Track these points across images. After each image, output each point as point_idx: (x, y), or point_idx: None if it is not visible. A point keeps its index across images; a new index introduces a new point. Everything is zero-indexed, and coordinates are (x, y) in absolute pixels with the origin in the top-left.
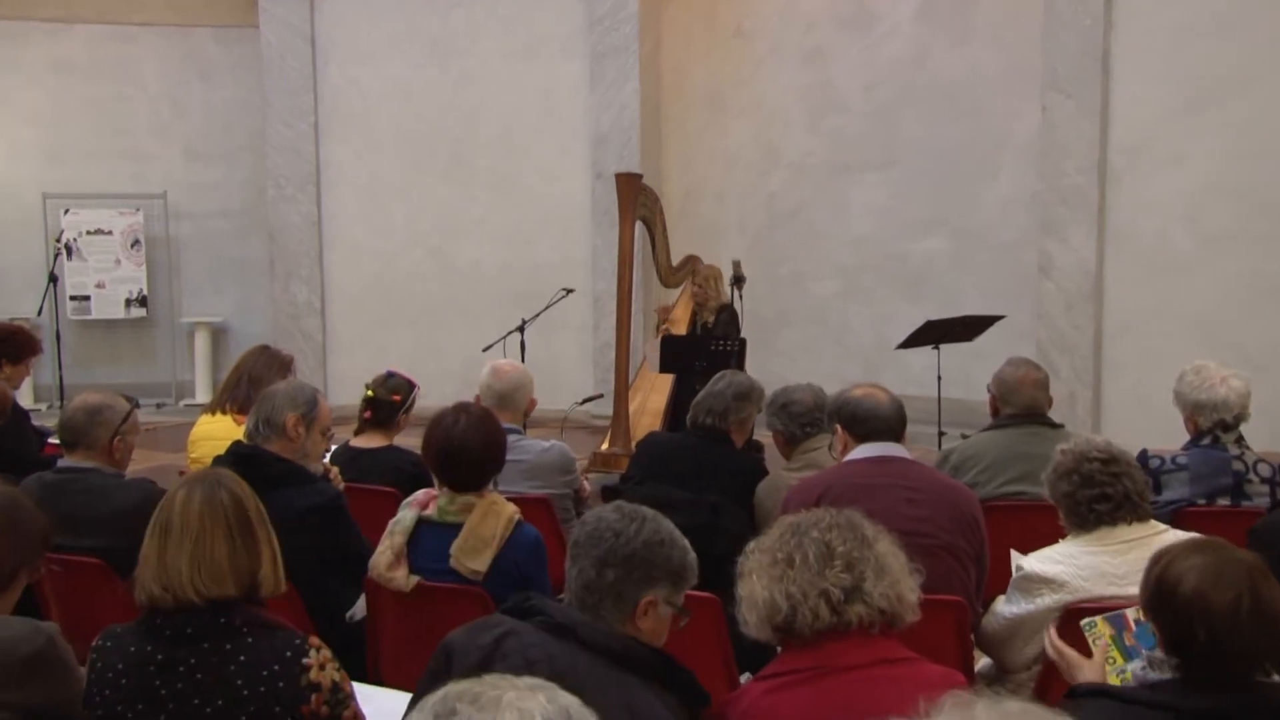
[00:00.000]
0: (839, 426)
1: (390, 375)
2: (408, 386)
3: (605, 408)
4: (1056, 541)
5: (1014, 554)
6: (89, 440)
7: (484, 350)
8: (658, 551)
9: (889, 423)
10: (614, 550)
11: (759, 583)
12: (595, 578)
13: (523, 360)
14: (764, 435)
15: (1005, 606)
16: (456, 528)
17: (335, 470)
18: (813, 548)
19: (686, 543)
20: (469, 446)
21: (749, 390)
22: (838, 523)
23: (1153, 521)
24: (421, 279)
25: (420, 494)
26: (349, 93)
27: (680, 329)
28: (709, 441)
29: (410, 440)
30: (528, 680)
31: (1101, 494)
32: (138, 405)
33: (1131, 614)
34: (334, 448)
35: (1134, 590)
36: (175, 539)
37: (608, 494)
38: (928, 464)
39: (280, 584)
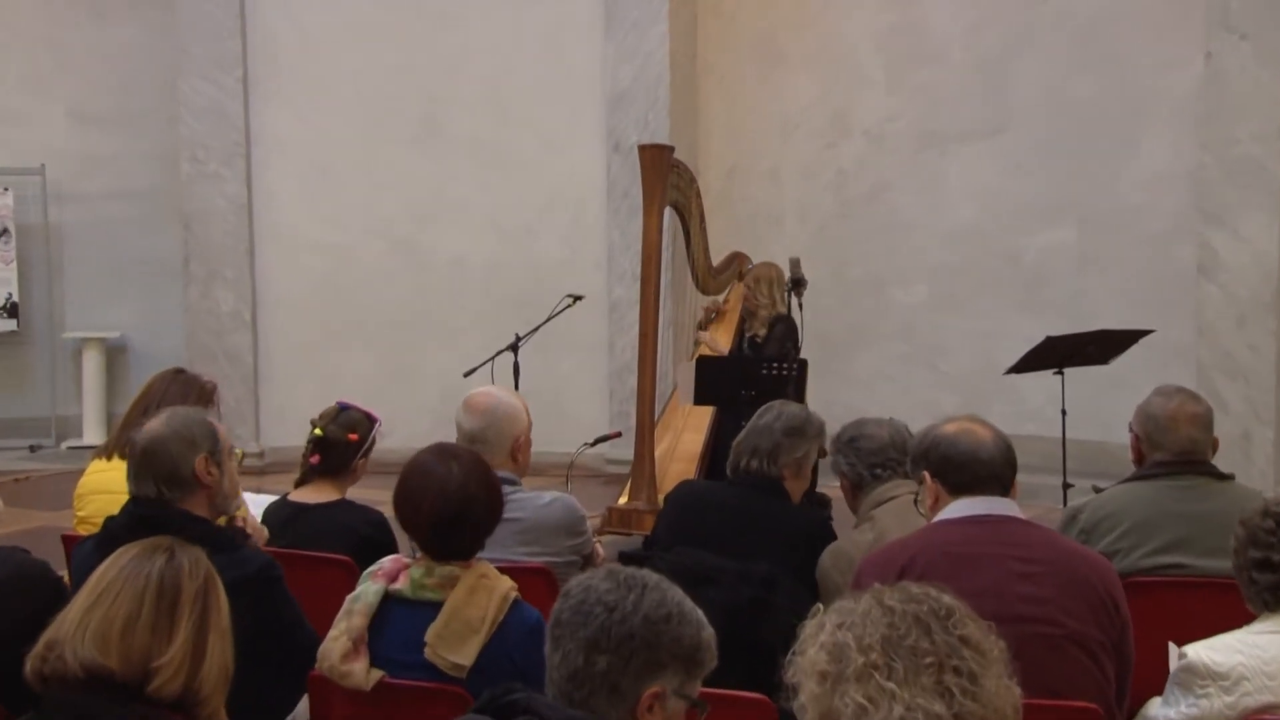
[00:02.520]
0: (926, 474)
1: (344, 408)
2: (367, 422)
3: (625, 450)
4: (1230, 630)
5: (1172, 647)
6: None
7: (466, 375)
8: (663, 630)
9: (994, 469)
10: (606, 630)
11: (811, 693)
12: (583, 666)
13: (516, 388)
14: (830, 486)
15: (1161, 711)
16: (434, 607)
17: (252, 519)
18: (894, 651)
19: (701, 615)
20: (474, 505)
21: (804, 423)
22: (921, 612)
23: None
24: (385, 282)
25: (389, 562)
26: (290, 37)
27: (721, 346)
28: (756, 493)
29: (366, 492)
30: None
31: (1265, 559)
32: None
33: None
34: (267, 503)
35: None
36: (87, 588)
37: (627, 562)
38: (1048, 526)
39: (192, 692)
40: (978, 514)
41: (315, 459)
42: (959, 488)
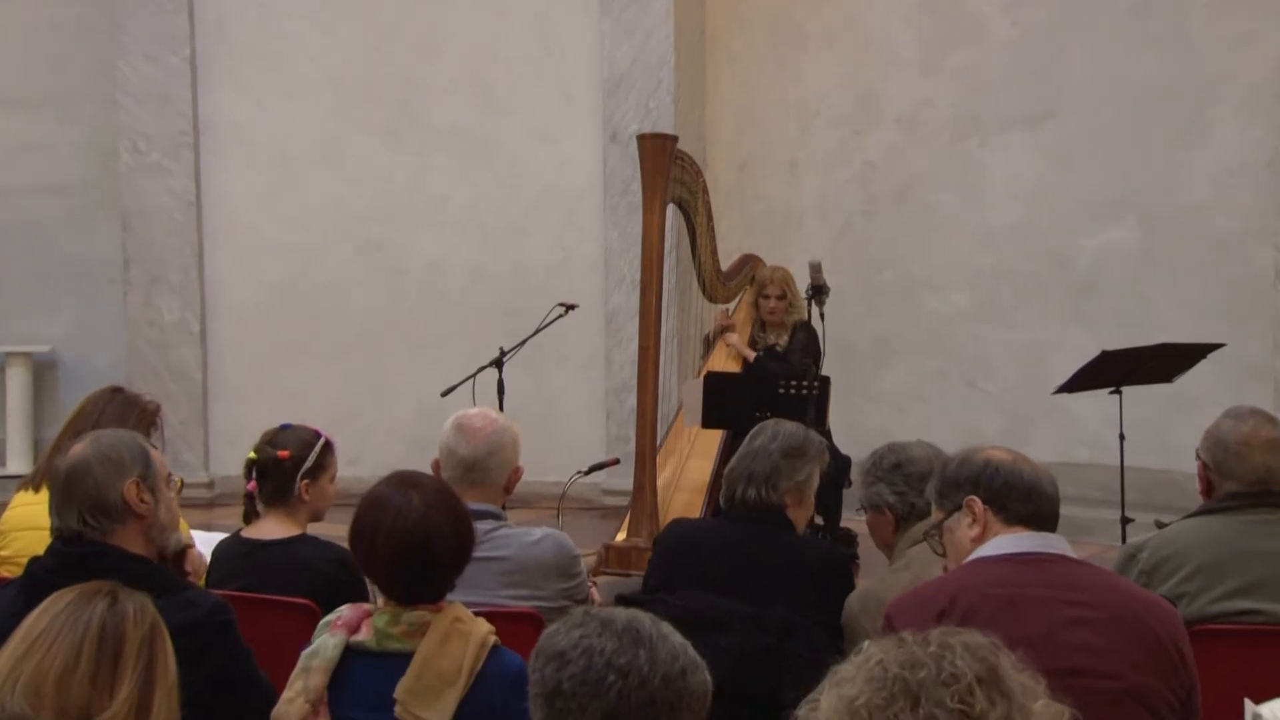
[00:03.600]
0: (977, 502)
1: (285, 427)
2: (308, 439)
3: (623, 479)
4: None
5: (1247, 704)
6: None
7: (444, 395)
8: (682, 687)
9: (1055, 504)
10: (625, 698)
11: None
12: None
13: (501, 409)
14: (854, 520)
15: None
16: (403, 659)
17: (195, 552)
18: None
19: (698, 657)
20: (438, 540)
21: (803, 443)
22: (916, 680)
23: None
24: (353, 289)
25: (348, 611)
26: (245, 11)
27: (735, 358)
28: (757, 525)
29: (334, 528)
30: None
31: None
32: None
33: None
34: (218, 540)
35: None
36: (17, 637)
37: (625, 606)
38: (1104, 566)
39: None
40: (1025, 551)
41: (250, 485)
42: (1023, 519)
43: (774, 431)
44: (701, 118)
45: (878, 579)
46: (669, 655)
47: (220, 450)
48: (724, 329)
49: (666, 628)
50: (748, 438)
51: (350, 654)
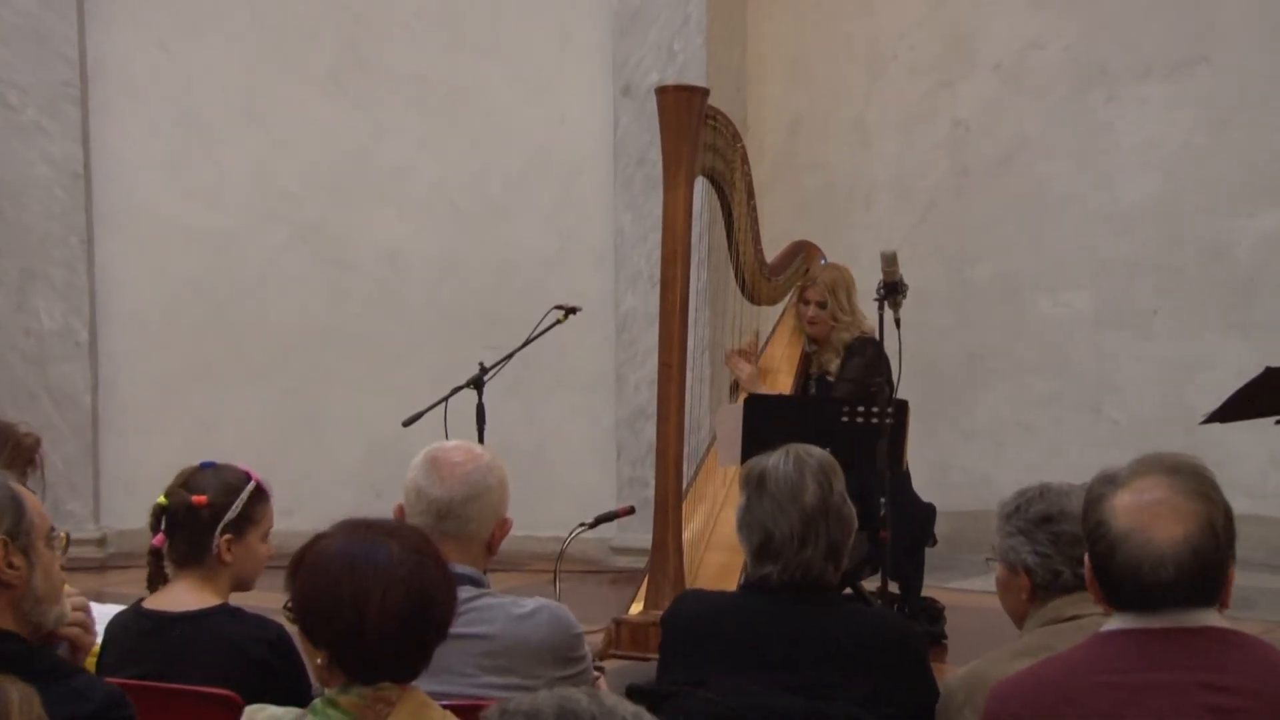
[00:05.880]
0: (1088, 560)
1: (205, 467)
2: (232, 483)
3: (640, 534)
4: None
5: None
6: None
7: (406, 425)
8: None
9: (1178, 589)
10: None
11: None
12: None
13: (480, 440)
14: (946, 588)
15: None
16: None
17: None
18: None
19: None
20: (438, 595)
21: (830, 475)
22: None
23: None
24: (286, 288)
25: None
26: None
27: (780, 381)
28: (794, 601)
29: (262, 597)
30: None
31: None
32: None
33: None
34: (113, 613)
35: None
36: None
37: (639, 700)
38: (1270, 644)
39: None
40: (1155, 629)
41: (157, 540)
42: (1119, 606)
43: (792, 480)
44: (741, 64)
45: (988, 658)
46: None
47: (114, 497)
48: (740, 360)
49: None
50: (747, 483)
51: None
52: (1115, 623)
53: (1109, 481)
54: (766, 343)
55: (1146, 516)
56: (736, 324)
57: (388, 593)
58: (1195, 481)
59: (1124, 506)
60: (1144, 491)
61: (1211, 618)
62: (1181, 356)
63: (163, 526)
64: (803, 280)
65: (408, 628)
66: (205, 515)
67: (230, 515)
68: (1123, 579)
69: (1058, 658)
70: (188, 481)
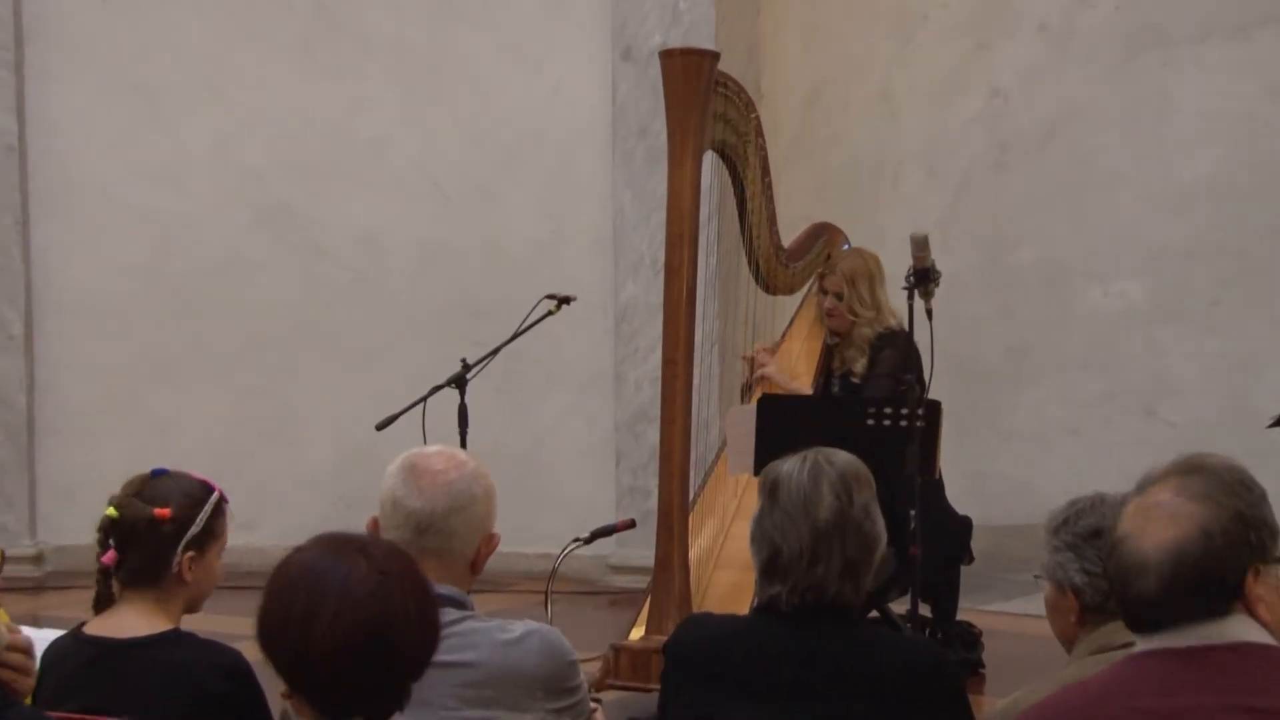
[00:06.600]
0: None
1: (159, 474)
2: (195, 494)
3: (641, 549)
4: None
5: None
6: None
7: (380, 429)
8: None
9: (1169, 584)
10: None
11: None
12: None
13: (464, 445)
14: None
15: None
16: None
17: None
18: None
19: None
20: (400, 622)
21: (851, 485)
22: None
23: None
24: (249, 277)
25: None
26: None
27: (799, 379)
28: (810, 624)
29: (216, 620)
30: None
31: None
32: None
33: None
34: (52, 638)
35: None
36: None
37: None
38: None
39: None
40: (1184, 644)
41: (109, 557)
42: (1127, 623)
43: (804, 490)
44: (754, 26)
45: (1031, 689)
46: None
47: (53, 509)
48: (759, 363)
49: None
50: (765, 487)
51: None
52: (1141, 644)
53: (1138, 485)
54: (783, 335)
55: (1142, 520)
56: (749, 316)
57: (340, 614)
58: (1207, 483)
59: (1129, 511)
60: (1153, 494)
61: (1242, 632)
62: (1244, 352)
63: (113, 542)
64: (827, 264)
65: (361, 655)
66: (168, 530)
67: (194, 530)
68: (1120, 592)
69: (1082, 684)
70: (142, 491)
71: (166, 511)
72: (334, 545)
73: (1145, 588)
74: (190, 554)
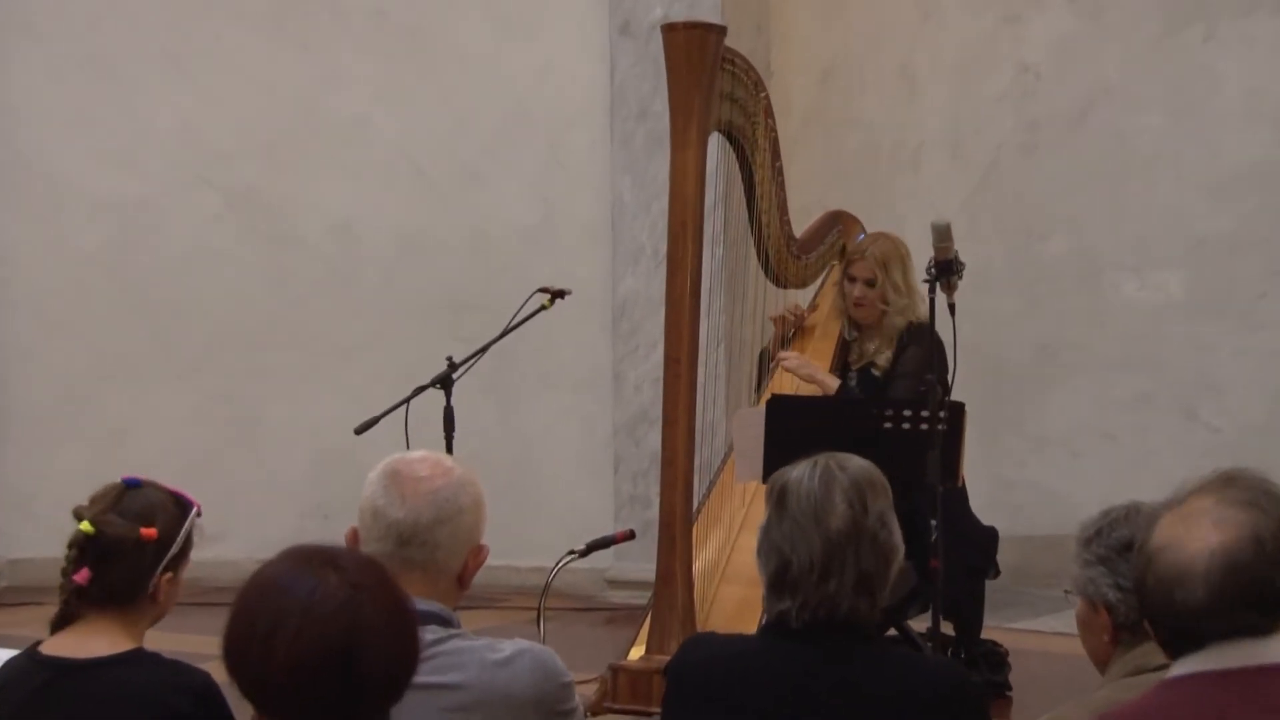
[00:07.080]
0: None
1: (132, 486)
2: (175, 509)
3: (642, 563)
4: None
5: None
6: None
7: (359, 433)
8: None
9: (1218, 592)
10: None
11: None
12: None
13: (449, 450)
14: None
15: None
16: None
17: None
18: None
19: None
20: (368, 641)
21: (865, 493)
22: None
23: None
24: (216, 268)
25: None
26: None
27: (819, 375)
28: (821, 644)
29: (178, 638)
30: None
31: None
32: None
33: None
34: (4, 658)
35: None
36: None
37: None
38: None
39: None
40: (1228, 665)
41: (82, 575)
42: (1163, 645)
43: (815, 497)
44: (764, 1)
45: (1061, 713)
46: None
47: (8, 520)
48: (790, 323)
49: None
50: (770, 495)
51: None
52: (1178, 668)
53: (1169, 499)
54: (798, 331)
55: (1182, 528)
56: (758, 311)
57: (303, 630)
58: (1250, 491)
59: (1164, 523)
60: (1191, 503)
61: None
62: None
63: (88, 560)
64: (842, 256)
65: (327, 673)
66: (150, 550)
67: (173, 550)
68: (1156, 607)
69: (1118, 711)
70: (120, 505)
71: (153, 531)
72: (303, 558)
73: (1191, 598)
74: (169, 575)
